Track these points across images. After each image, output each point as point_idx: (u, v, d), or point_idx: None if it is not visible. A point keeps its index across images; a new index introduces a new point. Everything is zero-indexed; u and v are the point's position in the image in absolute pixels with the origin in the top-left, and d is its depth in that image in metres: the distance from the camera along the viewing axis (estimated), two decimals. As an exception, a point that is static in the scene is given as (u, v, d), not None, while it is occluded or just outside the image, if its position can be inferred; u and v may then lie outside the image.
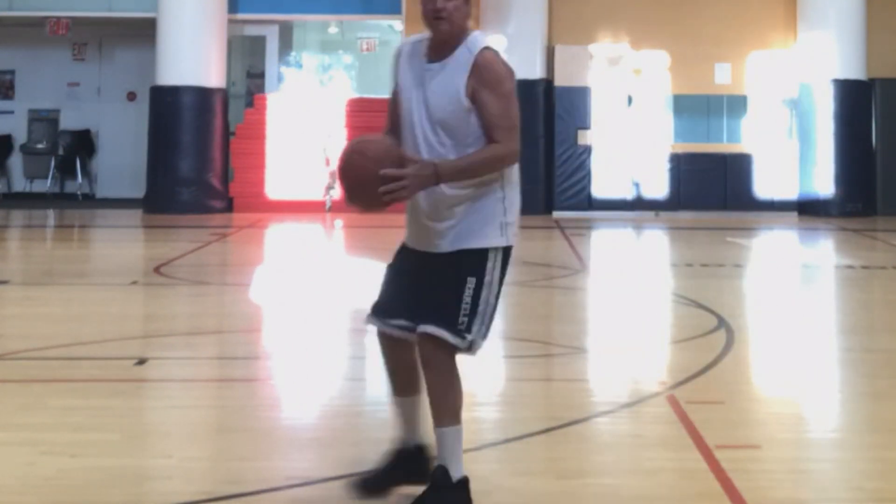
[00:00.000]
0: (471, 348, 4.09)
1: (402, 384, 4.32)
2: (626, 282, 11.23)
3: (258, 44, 20.30)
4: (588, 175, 18.70)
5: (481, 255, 4.09)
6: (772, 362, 7.27)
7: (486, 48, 4.10)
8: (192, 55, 18.10)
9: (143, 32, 19.08)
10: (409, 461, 4.28)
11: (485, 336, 4.12)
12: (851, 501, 4.39)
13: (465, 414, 5.83)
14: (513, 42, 18.46)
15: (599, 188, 18.72)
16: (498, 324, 8.97)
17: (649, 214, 18.58)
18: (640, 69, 18.98)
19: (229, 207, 18.42)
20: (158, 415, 5.73)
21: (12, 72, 21.24)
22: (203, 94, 18.16)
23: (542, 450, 5.05)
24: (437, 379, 4.08)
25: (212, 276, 11.64)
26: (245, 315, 9.03)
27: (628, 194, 18.81)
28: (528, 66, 18.55)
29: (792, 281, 11.72)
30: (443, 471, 4.08)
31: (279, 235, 16.07)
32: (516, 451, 4.99)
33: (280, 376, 6.80)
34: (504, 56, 4.21)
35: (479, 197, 4.07)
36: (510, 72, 4.16)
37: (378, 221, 16.60)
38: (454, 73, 4.05)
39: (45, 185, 20.64)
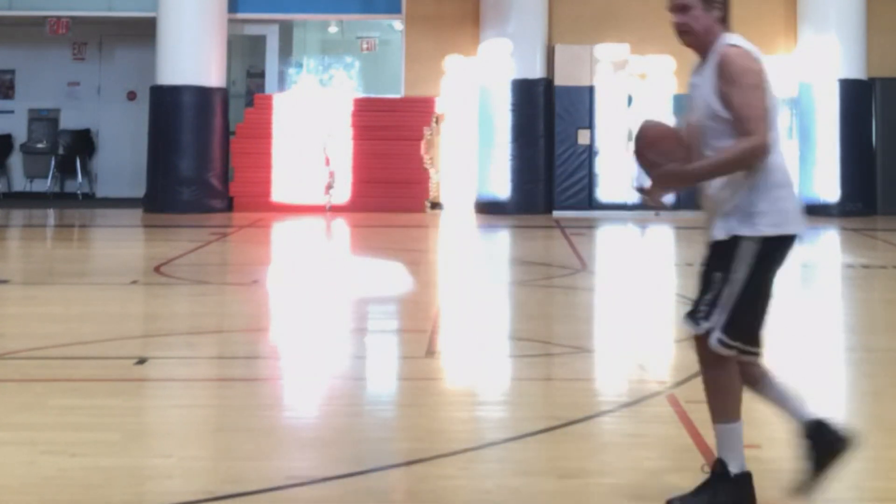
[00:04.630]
0: (709, 336, 4.17)
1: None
2: (626, 281, 11.24)
3: (258, 43, 20.29)
4: (588, 175, 18.69)
5: (729, 246, 4.13)
6: (772, 362, 7.26)
7: (729, 45, 4.20)
8: (192, 55, 18.09)
9: (143, 32, 19.07)
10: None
11: (734, 332, 4.17)
12: (851, 501, 4.39)
13: (465, 413, 5.85)
14: (513, 42, 18.46)
15: (604, 192, 18.69)
16: (498, 323, 9.00)
17: (649, 214, 18.57)
18: (641, 69, 18.97)
19: (229, 207, 18.42)
20: (158, 414, 5.74)
21: (12, 71, 21.22)
22: (203, 93, 18.15)
23: (543, 449, 5.05)
24: (709, 376, 4.25)
25: (212, 275, 11.64)
26: (245, 314, 9.03)
27: (631, 195, 18.79)
28: (528, 66, 18.55)
29: (792, 280, 11.71)
30: (721, 463, 4.16)
31: (279, 235, 16.08)
32: (517, 451, 4.99)
33: (280, 376, 6.80)
34: (745, 47, 4.23)
35: (729, 191, 4.14)
36: (755, 63, 4.18)
37: (378, 221, 16.60)
38: (707, 80, 4.17)
39: (45, 185, 20.63)
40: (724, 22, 4.29)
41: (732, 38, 4.23)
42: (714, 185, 4.17)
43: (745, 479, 4.19)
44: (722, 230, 4.14)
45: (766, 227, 4.09)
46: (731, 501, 4.14)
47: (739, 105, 4.05)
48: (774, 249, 4.13)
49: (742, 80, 4.08)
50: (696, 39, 4.22)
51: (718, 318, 4.15)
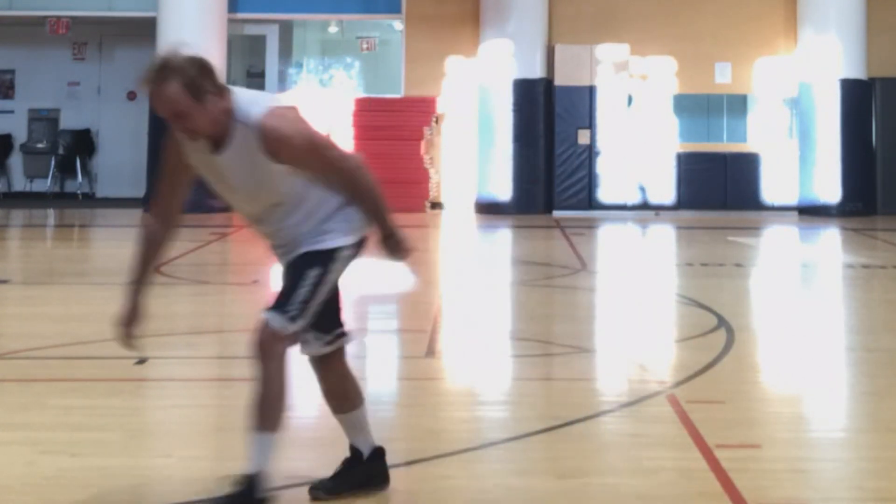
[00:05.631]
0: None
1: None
2: (626, 281, 11.24)
3: (258, 43, 20.29)
4: (588, 175, 18.69)
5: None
6: (772, 362, 7.27)
7: (265, 115, 3.90)
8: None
9: (143, 32, 19.07)
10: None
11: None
12: (851, 501, 4.39)
13: (467, 412, 5.84)
14: (513, 42, 18.46)
15: (604, 192, 18.69)
16: (499, 323, 9.00)
17: (649, 214, 18.58)
18: (640, 69, 18.96)
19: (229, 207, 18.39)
20: (158, 414, 5.74)
21: (12, 71, 21.22)
22: (203, 93, 18.13)
23: (543, 449, 5.05)
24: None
25: (212, 275, 11.64)
26: (245, 314, 9.02)
27: (631, 195, 18.79)
28: (528, 66, 18.56)
29: (792, 280, 11.72)
30: (354, 450, 4.43)
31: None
32: (517, 451, 4.99)
33: (280, 376, 6.79)
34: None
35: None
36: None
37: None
38: (247, 158, 3.93)
39: (45, 185, 20.63)
40: (223, 93, 3.89)
41: (254, 110, 3.89)
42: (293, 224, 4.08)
43: (377, 455, 4.42)
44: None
45: None
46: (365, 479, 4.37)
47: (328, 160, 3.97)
48: None
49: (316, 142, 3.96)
50: (204, 129, 3.88)
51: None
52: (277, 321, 4.04)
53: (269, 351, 4.10)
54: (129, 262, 4.16)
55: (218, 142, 3.95)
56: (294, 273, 4.05)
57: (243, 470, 4.01)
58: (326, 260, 4.04)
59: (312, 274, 4.02)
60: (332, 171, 4.00)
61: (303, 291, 4.02)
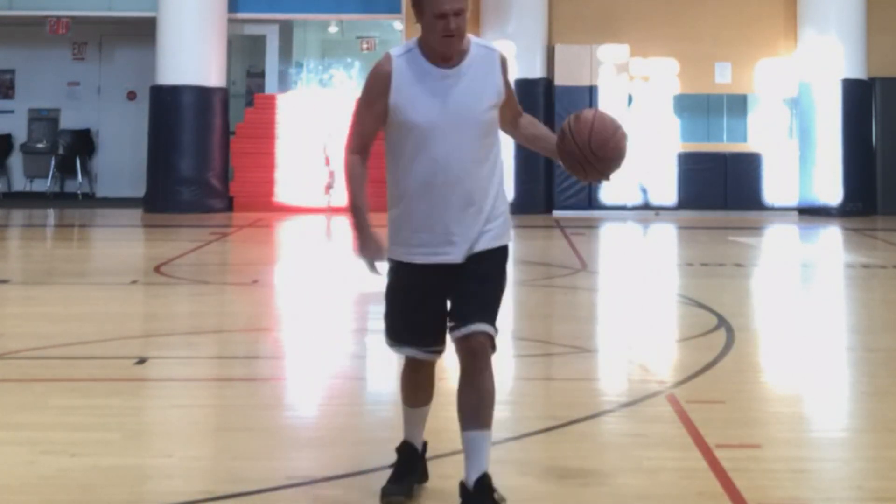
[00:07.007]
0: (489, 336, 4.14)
1: (426, 396, 4.41)
2: (626, 281, 11.24)
3: (258, 43, 20.30)
4: (588, 174, 18.68)
5: (501, 252, 4.31)
6: (772, 361, 7.27)
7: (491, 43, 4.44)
8: (192, 55, 18.10)
9: (143, 32, 19.09)
10: (419, 461, 4.39)
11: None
12: (851, 500, 4.39)
13: (466, 413, 5.84)
14: (513, 42, 18.47)
15: (604, 192, 18.69)
16: (499, 323, 8.99)
17: (650, 214, 18.58)
18: (641, 69, 18.96)
19: (229, 207, 18.42)
20: (159, 414, 5.74)
21: (12, 71, 21.23)
22: (203, 93, 18.15)
23: (543, 449, 5.05)
24: (491, 379, 4.11)
25: (212, 275, 11.64)
26: (245, 314, 9.03)
27: (632, 195, 18.79)
28: (528, 66, 18.56)
29: (792, 280, 11.72)
30: (489, 479, 4.03)
31: (279, 235, 16.08)
32: (517, 451, 4.99)
33: (280, 376, 6.80)
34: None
35: (496, 190, 4.33)
36: None
37: (378, 221, 16.59)
38: (483, 73, 4.25)
39: (45, 185, 20.64)
40: None
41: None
42: (486, 186, 4.25)
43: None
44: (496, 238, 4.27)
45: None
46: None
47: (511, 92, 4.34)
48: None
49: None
50: (460, 45, 4.26)
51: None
52: (492, 330, 4.11)
53: (489, 358, 4.10)
54: (353, 195, 4.60)
55: (451, 58, 4.24)
56: (491, 275, 4.20)
57: (481, 471, 3.99)
58: (504, 262, 4.27)
59: (502, 283, 4.23)
60: (518, 116, 4.40)
61: (499, 301, 4.20)
